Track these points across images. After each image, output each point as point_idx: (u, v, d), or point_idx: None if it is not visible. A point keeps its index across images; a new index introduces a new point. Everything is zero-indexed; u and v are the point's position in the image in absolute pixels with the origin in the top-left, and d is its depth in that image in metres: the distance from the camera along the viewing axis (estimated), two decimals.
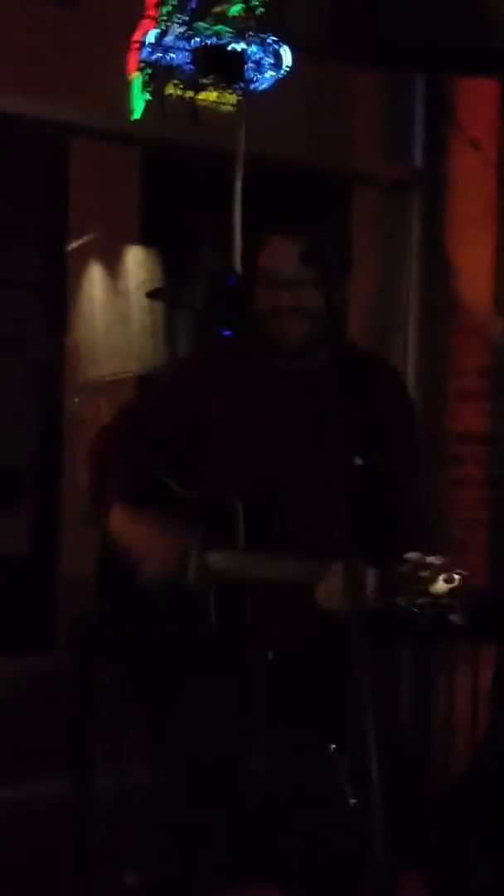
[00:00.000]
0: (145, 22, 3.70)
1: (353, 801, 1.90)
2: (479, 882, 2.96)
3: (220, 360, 2.29)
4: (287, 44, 3.68)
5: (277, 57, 3.70)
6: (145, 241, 4.41)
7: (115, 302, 4.45)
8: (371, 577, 1.96)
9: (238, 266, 3.81)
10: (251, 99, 3.75)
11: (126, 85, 3.78)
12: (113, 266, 4.45)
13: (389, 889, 1.66)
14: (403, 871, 3.36)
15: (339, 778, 1.94)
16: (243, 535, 2.13)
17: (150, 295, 4.33)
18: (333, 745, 1.98)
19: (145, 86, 3.72)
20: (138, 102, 3.76)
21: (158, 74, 3.68)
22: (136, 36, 3.71)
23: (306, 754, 2.08)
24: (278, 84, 3.76)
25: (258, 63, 3.68)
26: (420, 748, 3.81)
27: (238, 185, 3.76)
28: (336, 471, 1.88)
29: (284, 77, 3.72)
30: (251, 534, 2.13)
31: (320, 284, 2.05)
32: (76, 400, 4.34)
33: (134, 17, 3.72)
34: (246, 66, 3.66)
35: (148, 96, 3.73)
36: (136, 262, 4.48)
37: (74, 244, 4.30)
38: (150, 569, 2.13)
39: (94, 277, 4.45)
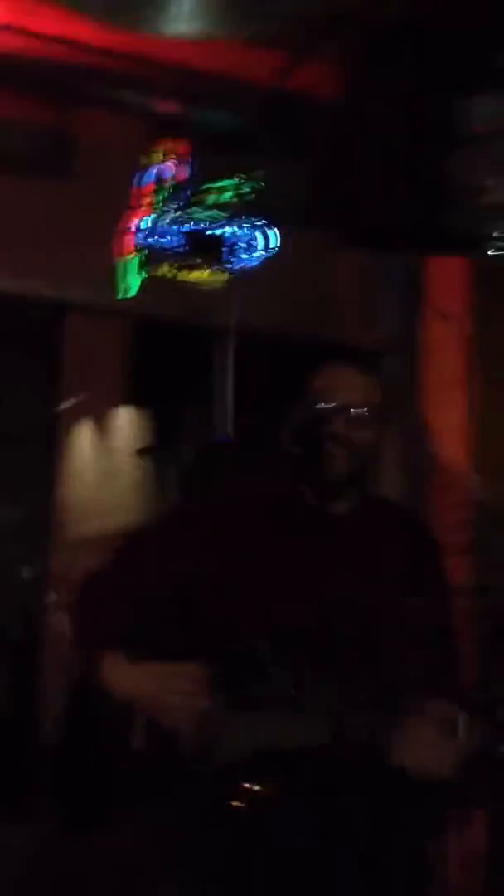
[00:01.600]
0: (141, 207, 3.89)
1: None
2: None
3: (249, 500, 2.09)
4: (274, 225, 3.88)
5: (266, 238, 3.89)
6: (134, 401, 4.53)
7: (105, 459, 4.54)
8: (462, 723, 1.81)
9: (229, 426, 3.94)
10: (241, 275, 3.94)
11: (115, 263, 3.93)
12: (101, 424, 4.55)
13: None
14: None
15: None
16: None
17: (140, 452, 4.42)
18: None
19: (140, 267, 3.89)
20: (134, 282, 3.92)
21: (153, 257, 3.85)
22: (131, 221, 3.89)
23: None
24: (265, 261, 3.95)
25: (249, 243, 3.87)
26: None
27: (230, 351, 3.92)
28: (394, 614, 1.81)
29: (271, 255, 3.92)
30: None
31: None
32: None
33: (126, 191, 3.88)
34: (236, 249, 3.85)
35: (143, 276, 3.90)
36: (124, 420, 4.58)
37: (65, 404, 4.41)
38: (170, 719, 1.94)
39: (85, 435, 4.54)
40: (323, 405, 2.03)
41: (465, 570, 3.97)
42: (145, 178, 3.86)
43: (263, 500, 2.10)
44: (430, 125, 3.77)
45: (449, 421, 4.11)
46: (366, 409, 2.04)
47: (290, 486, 2.08)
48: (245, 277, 3.93)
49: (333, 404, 2.03)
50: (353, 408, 2.04)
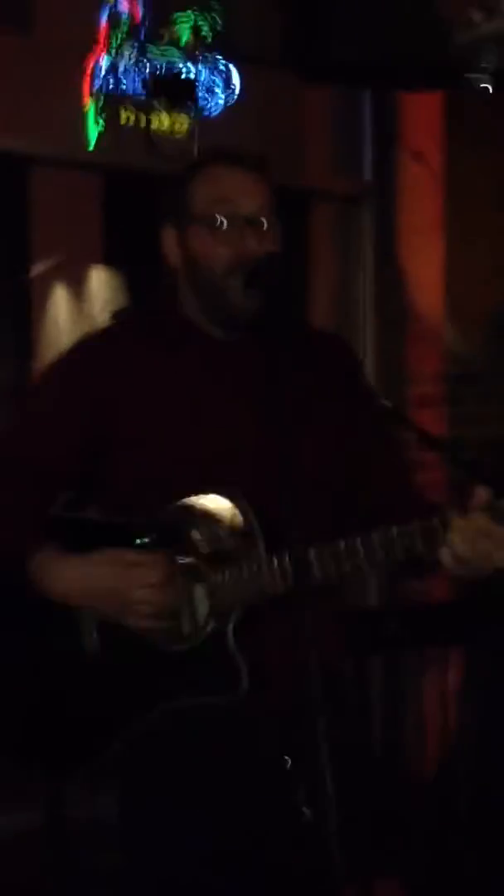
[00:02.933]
0: (97, 50, 3.67)
1: (306, 812, 1.70)
2: (457, 884, 2.92)
3: (130, 340, 1.80)
4: (237, 60, 3.64)
5: (228, 79, 3.67)
6: (109, 262, 4.36)
7: (81, 322, 4.40)
8: None
9: None
10: (204, 122, 3.73)
11: (81, 113, 3.74)
12: (77, 289, 4.40)
13: None
14: (379, 877, 3.33)
15: (294, 792, 1.73)
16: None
17: (115, 315, 4.28)
18: (288, 759, 1.74)
19: (99, 114, 3.68)
20: (93, 131, 3.72)
21: (111, 102, 3.64)
22: (88, 64, 3.67)
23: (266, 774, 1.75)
24: (230, 106, 3.74)
25: (209, 87, 3.65)
26: (391, 753, 3.78)
27: None
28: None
29: (236, 98, 3.70)
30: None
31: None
32: None
33: (88, 40, 3.67)
34: (197, 91, 3.63)
35: (102, 125, 3.69)
36: (101, 282, 4.43)
37: (37, 269, 4.26)
38: (145, 612, 1.68)
39: (59, 300, 4.40)
40: (210, 218, 1.73)
41: (439, 422, 3.86)
42: (101, 19, 3.62)
43: (151, 337, 1.82)
44: None
45: (425, 269, 3.92)
46: (264, 221, 1.74)
47: (186, 320, 1.81)
48: (209, 122, 3.72)
49: (222, 221, 1.73)
50: (249, 218, 1.73)
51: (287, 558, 1.64)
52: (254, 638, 1.69)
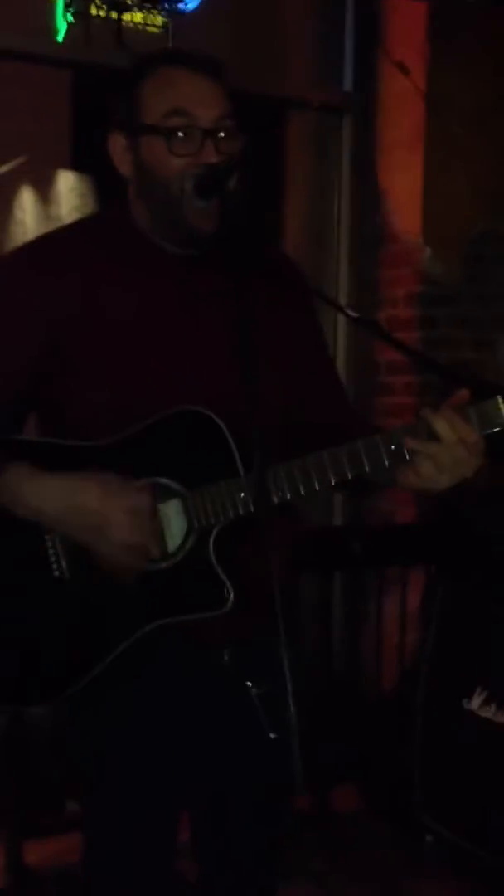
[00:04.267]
0: None
1: (272, 734, 1.70)
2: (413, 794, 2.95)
3: (79, 249, 1.67)
4: None
5: None
6: (77, 165, 4.15)
7: (48, 227, 4.22)
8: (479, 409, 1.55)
9: None
10: (179, 20, 3.50)
11: (50, 5, 3.51)
12: (44, 191, 4.20)
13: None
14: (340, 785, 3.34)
15: (257, 713, 1.73)
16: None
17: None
18: (249, 682, 1.74)
19: (67, 6, 3.44)
20: (62, 24, 3.49)
21: None
22: None
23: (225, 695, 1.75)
24: (208, 4, 3.51)
25: None
26: (351, 670, 3.78)
27: None
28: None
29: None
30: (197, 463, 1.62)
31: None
32: None
33: None
34: None
35: (70, 18, 3.46)
36: (68, 186, 4.23)
37: (3, 169, 4.05)
38: (120, 534, 1.59)
39: (25, 203, 4.20)
40: (165, 130, 1.59)
41: (412, 345, 3.75)
42: None
43: (101, 244, 1.70)
44: None
45: (403, 186, 3.76)
46: (222, 132, 1.62)
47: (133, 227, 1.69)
48: (183, 21, 3.49)
49: (179, 130, 1.60)
50: (208, 130, 1.61)
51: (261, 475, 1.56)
52: (232, 553, 1.65)
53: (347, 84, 3.97)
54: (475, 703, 2.77)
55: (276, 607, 1.42)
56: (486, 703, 2.76)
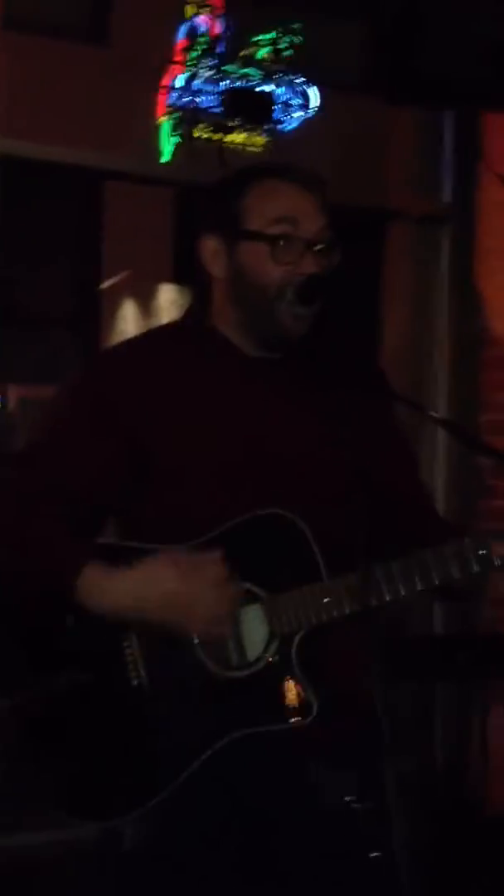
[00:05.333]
0: (174, 66, 3.54)
1: (374, 854, 1.59)
2: None
3: (158, 352, 1.67)
4: (317, 82, 3.50)
5: (305, 98, 3.53)
6: (178, 278, 4.24)
7: None
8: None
9: None
10: (282, 138, 3.58)
11: (156, 128, 3.63)
12: (146, 304, 4.28)
13: None
14: None
15: (360, 829, 1.61)
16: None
17: None
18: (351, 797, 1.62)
19: (174, 129, 3.55)
20: (167, 146, 3.59)
21: (187, 118, 3.51)
22: (165, 80, 3.55)
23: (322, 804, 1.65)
24: (309, 123, 3.59)
25: (286, 104, 3.51)
26: (457, 787, 3.60)
27: None
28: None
29: (313, 117, 3.55)
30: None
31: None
32: None
33: (165, 53, 3.56)
34: (274, 108, 3.49)
35: (178, 139, 3.57)
36: (169, 299, 4.31)
37: (108, 282, 4.15)
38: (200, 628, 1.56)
39: (128, 315, 4.29)
40: (270, 237, 1.60)
41: None
42: (179, 35, 3.49)
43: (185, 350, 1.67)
44: None
45: (502, 293, 3.73)
46: (322, 242, 1.61)
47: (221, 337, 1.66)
48: (288, 139, 3.56)
49: (283, 239, 1.61)
50: (310, 241, 1.61)
51: (349, 579, 1.56)
52: (318, 661, 1.59)
53: (446, 195, 4.01)
54: None
55: (373, 713, 1.37)
56: None
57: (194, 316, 1.71)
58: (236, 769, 1.59)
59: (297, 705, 1.57)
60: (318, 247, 1.61)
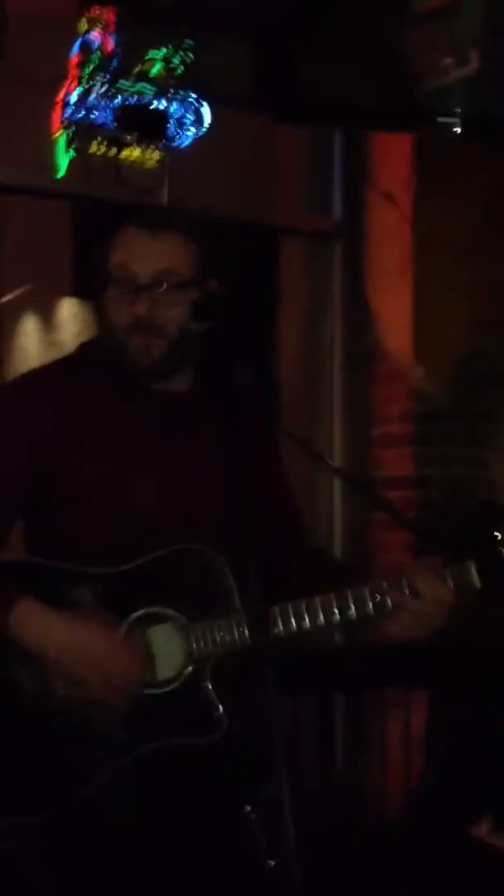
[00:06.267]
0: (68, 81, 3.50)
1: (270, 862, 1.69)
2: None
3: (64, 385, 1.79)
4: (208, 100, 3.50)
5: (198, 114, 3.52)
6: (78, 293, 4.18)
7: (50, 354, 4.22)
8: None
9: None
10: (175, 155, 3.57)
11: (51, 143, 3.58)
12: (47, 318, 4.22)
13: None
14: None
15: (256, 839, 1.72)
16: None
17: (83, 347, 4.10)
18: (248, 806, 1.75)
19: (68, 144, 3.51)
20: (63, 160, 3.55)
21: (82, 133, 3.47)
22: (59, 95, 3.50)
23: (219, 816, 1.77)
24: (202, 139, 3.58)
25: (179, 121, 3.49)
26: (354, 797, 3.60)
27: None
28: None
29: (206, 133, 3.55)
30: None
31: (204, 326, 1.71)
32: None
33: (60, 69, 3.52)
34: (168, 124, 3.47)
35: (72, 154, 3.52)
36: (70, 313, 4.25)
37: (6, 297, 4.08)
38: (110, 674, 1.67)
39: (29, 329, 4.22)
40: (120, 288, 1.74)
41: (406, 461, 3.71)
42: (73, 50, 3.45)
43: (86, 379, 1.80)
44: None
45: (393, 308, 3.78)
46: (168, 285, 1.73)
47: (115, 363, 1.78)
48: (180, 157, 3.55)
49: (125, 288, 1.74)
50: (153, 285, 1.72)
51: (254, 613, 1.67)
52: (230, 681, 1.72)
53: (336, 212, 4.04)
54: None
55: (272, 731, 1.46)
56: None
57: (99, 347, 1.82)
58: (145, 782, 1.68)
59: (208, 722, 1.69)
60: (154, 288, 1.71)
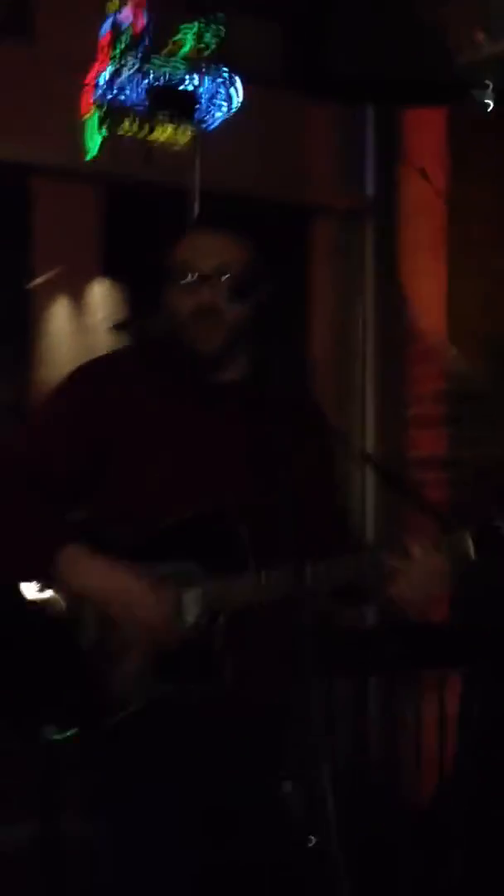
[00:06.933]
0: (99, 60, 3.45)
1: (311, 839, 1.69)
2: None
3: (128, 371, 1.96)
4: (239, 77, 3.45)
5: (230, 93, 3.46)
6: (109, 274, 4.15)
7: (81, 337, 4.19)
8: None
9: None
10: (205, 134, 3.52)
11: (82, 124, 3.54)
12: (78, 300, 4.19)
13: None
14: None
15: (295, 817, 1.76)
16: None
17: (116, 327, 4.08)
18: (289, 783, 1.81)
19: (100, 125, 3.47)
20: (94, 141, 3.50)
21: (113, 113, 3.43)
22: (90, 76, 3.46)
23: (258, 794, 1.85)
24: (232, 118, 3.53)
25: (211, 99, 3.44)
26: (387, 780, 3.56)
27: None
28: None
29: (237, 111, 3.49)
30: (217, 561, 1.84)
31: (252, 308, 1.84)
32: None
33: (90, 49, 3.48)
34: (199, 103, 3.42)
35: (104, 135, 3.48)
36: (101, 296, 4.23)
37: (38, 280, 4.05)
38: (142, 615, 1.82)
39: (60, 311, 4.19)
40: (184, 280, 1.89)
41: (439, 441, 3.66)
42: (102, 30, 3.40)
43: (146, 369, 1.97)
44: None
45: (427, 287, 3.72)
46: (228, 277, 1.87)
47: (175, 354, 1.94)
48: (212, 135, 3.50)
49: (190, 278, 1.88)
50: (214, 276, 1.88)
51: (272, 574, 1.81)
52: (239, 639, 1.83)
53: (369, 189, 3.98)
54: None
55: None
56: None
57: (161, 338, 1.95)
58: (166, 726, 1.82)
59: (214, 671, 1.82)
60: (214, 279, 1.87)
